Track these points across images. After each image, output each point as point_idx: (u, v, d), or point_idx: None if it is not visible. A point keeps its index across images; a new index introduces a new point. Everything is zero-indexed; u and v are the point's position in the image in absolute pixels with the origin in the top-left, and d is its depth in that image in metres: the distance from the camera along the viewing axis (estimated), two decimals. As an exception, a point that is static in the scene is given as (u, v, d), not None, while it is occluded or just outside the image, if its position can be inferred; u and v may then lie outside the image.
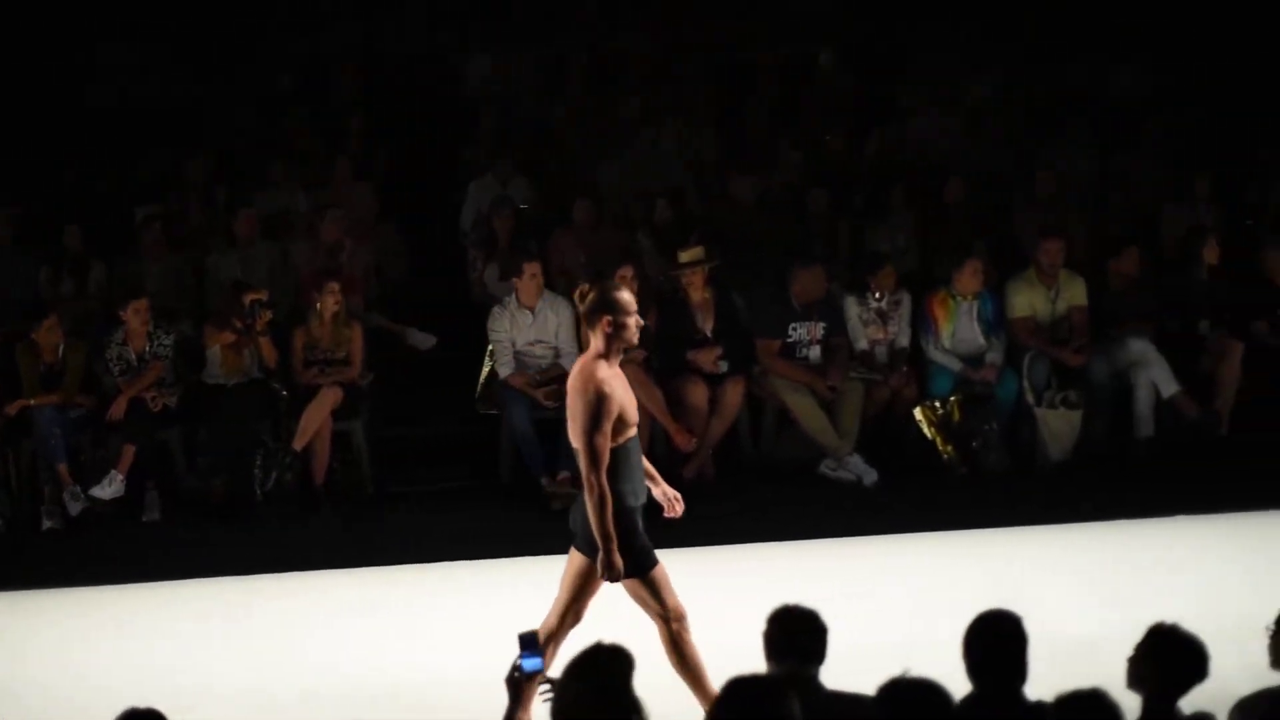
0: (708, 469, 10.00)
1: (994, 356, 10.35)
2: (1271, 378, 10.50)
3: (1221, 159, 12.45)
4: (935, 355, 10.39)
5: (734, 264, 10.84)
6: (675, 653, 6.09)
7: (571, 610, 6.14)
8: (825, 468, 10.02)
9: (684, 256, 10.19)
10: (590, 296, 6.04)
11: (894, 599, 7.85)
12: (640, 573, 6.00)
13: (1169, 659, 4.71)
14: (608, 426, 5.85)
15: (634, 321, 6.03)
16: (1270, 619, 5.14)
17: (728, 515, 9.30)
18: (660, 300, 10.37)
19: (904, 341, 10.46)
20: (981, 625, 4.75)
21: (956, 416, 10.09)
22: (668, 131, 12.39)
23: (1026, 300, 10.51)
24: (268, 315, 9.80)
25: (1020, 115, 13.18)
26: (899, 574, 8.30)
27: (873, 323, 10.44)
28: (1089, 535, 8.92)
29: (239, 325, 9.84)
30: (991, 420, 10.16)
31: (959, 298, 10.40)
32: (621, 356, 6.10)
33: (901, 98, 13.40)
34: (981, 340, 10.42)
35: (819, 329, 10.28)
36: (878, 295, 10.41)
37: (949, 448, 10.04)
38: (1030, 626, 4.68)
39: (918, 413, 10.13)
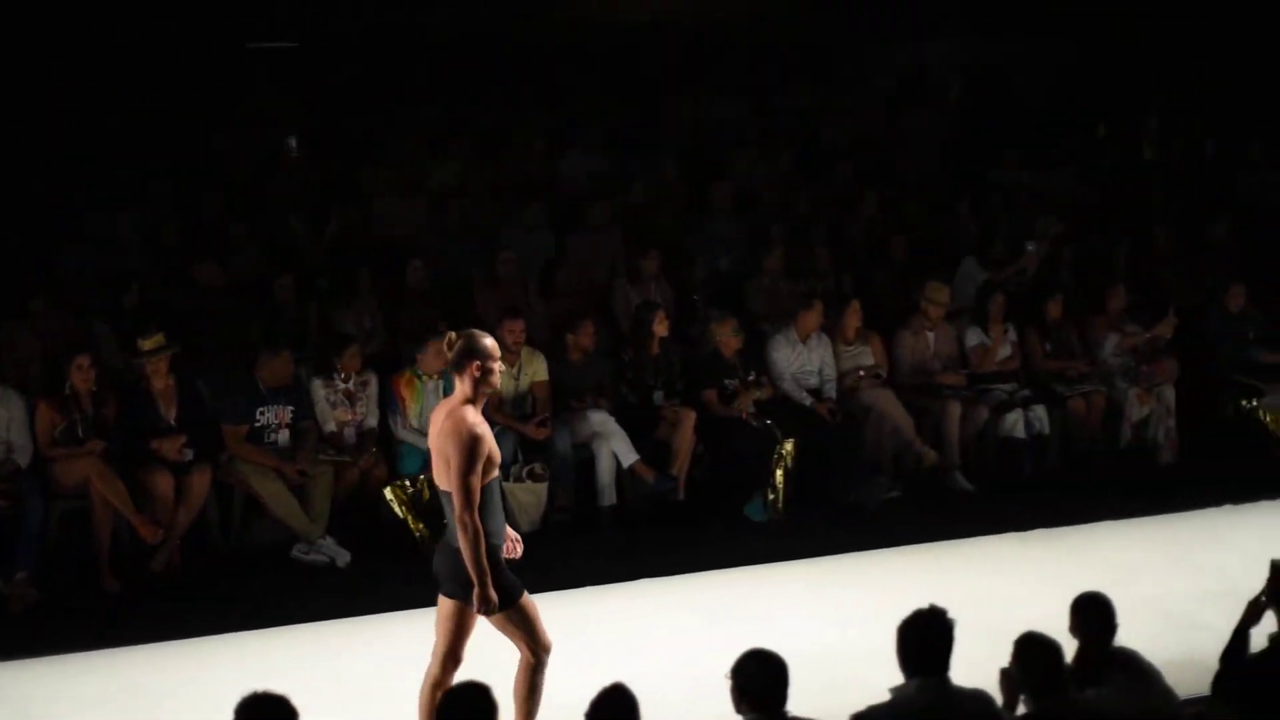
0: (175, 560, 9.73)
1: (460, 434, 10.51)
2: (724, 444, 11.11)
3: (669, 237, 13.15)
4: (404, 435, 10.48)
5: (198, 350, 10.65)
6: (529, 681, 6.49)
7: (451, 654, 6.49)
8: (298, 552, 9.93)
9: (144, 344, 9.92)
10: (458, 344, 6.39)
11: (364, 679, 7.87)
12: (511, 605, 6.37)
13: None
14: (480, 468, 6.20)
15: (498, 366, 6.45)
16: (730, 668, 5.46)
17: (198, 606, 9.10)
18: (120, 389, 10.06)
19: (372, 422, 10.51)
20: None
21: (427, 494, 10.16)
22: (126, 218, 12.07)
23: (491, 377, 10.73)
24: None
25: (480, 199, 13.54)
26: (367, 653, 8.30)
27: (340, 404, 10.44)
28: (562, 602, 9.15)
29: None
30: (461, 496, 10.30)
31: (425, 377, 10.53)
32: (484, 400, 6.43)
33: (365, 182, 13.55)
34: (448, 419, 10.56)
35: (287, 413, 10.21)
36: (344, 377, 10.44)
37: (420, 525, 10.11)
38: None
39: (388, 492, 10.17)
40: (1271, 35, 16.56)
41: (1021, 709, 5.68)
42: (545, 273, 12.65)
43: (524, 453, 10.53)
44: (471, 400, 6.37)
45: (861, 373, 11.62)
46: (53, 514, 9.62)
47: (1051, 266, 13.27)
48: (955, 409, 11.54)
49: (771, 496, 10.79)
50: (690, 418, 10.92)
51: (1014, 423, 11.76)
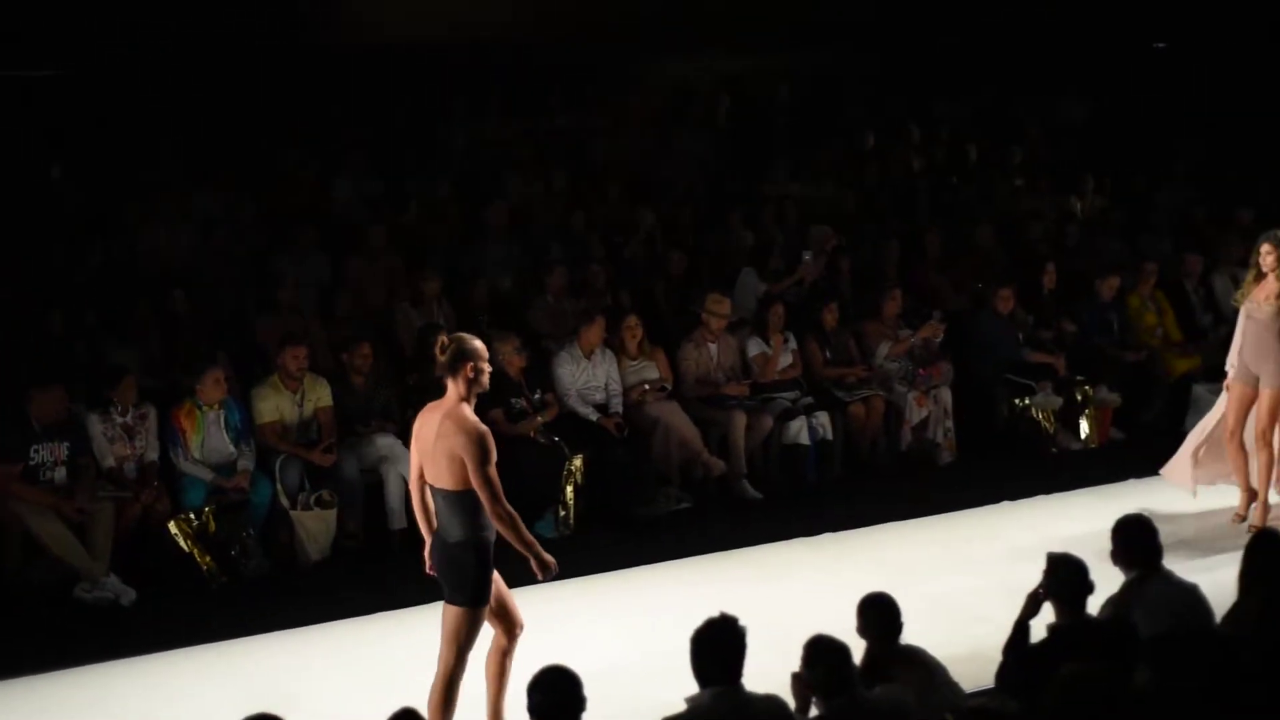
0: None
1: (245, 464, 10.36)
2: (511, 462, 11.07)
3: (446, 259, 13.13)
4: (186, 467, 10.28)
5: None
6: (500, 663, 7.19)
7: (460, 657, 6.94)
8: (80, 591, 9.65)
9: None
10: (450, 348, 6.81)
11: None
12: (486, 602, 6.95)
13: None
14: (494, 459, 6.71)
15: (488, 367, 6.89)
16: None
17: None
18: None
19: (153, 455, 10.29)
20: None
21: (212, 527, 10.01)
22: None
23: (273, 405, 10.61)
24: None
25: (250, 226, 13.36)
26: (161, 695, 8.15)
27: (119, 439, 10.21)
28: (354, 629, 9.10)
29: None
30: (248, 527, 10.16)
31: (205, 408, 10.36)
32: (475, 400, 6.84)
33: (130, 211, 13.26)
34: (231, 448, 10.41)
35: (63, 449, 9.93)
36: (121, 410, 10.21)
37: (207, 558, 9.93)
38: None
39: (172, 526, 9.96)
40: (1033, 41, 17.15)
41: (814, 711, 5.79)
42: (324, 298, 12.53)
43: (311, 480, 10.41)
44: (466, 399, 6.81)
45: (646, 386, 11.72)
46: None
47: (828, 275, 13.54)
48: (740, 419, 11.70)
49: (562, 513, 10.83)
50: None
51: (798, 430, 11.97)
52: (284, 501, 10.31)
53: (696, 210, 14.82)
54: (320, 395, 10.74)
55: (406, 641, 8.67)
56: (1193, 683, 5.41)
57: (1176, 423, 12.42)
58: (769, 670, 6.16)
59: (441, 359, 6.86)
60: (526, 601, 9.27)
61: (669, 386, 11.88)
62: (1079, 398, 12.81)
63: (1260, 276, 10.26)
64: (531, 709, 5.37)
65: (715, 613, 5.77)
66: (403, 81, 15.49)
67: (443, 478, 6.82)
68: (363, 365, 10.97)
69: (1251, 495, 10.47)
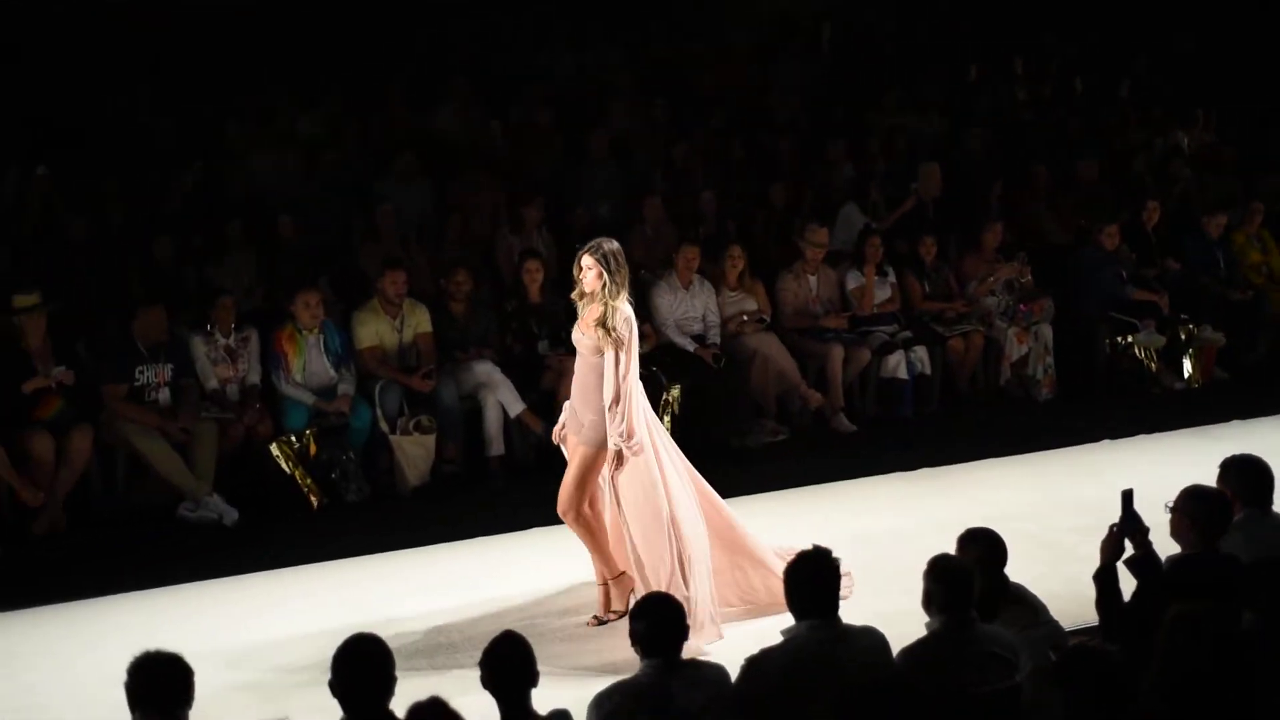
0: (59, 522, 9.60)
1: (345, 388, 10.46)
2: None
3: (547, 186, 13.12)
4: (287, 390, 10.39)
5: (74, 310, 10.47)
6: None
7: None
8: (184, 510, 9.81)
9: (20, 301, 9.74)
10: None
11: (268, 638, 7.83)
12: None
13: (505, 664, 5.17)
14: None
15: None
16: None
17: (83, 568, 9.00)
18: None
19: (255, 378, 10.41)
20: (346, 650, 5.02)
21: (313, 449, 10.12)
22: (7, 173, 11.81)
23: (373, 330, 10.69)
24: None
25: (352, 151, 13.40)
26: (260, 614, 8.24)
27: (222, 361, 10.34)
28: (452, 553, 9.18)
29: None
30: (348, 451, 10.27)
31: (305, 331, 10.45)
32: None
33: (231, 135, 13.34)
34: (332, 372, 10.51)
35: (167, 371, 10.07)
36: (223, 332, 10.33)
37: (308, 481, 10.06)
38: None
39: (274, 448, 10.08)
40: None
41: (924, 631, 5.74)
42: (425, 224, 12.57)
43: (410, 405, 10.49)
44: None
45: (745, 317, 11.69)
46: (-70, 480, 9.45)
47: (931, 208, 13.40)
48: (838, 351, 11.66)
49: (659, 443, 10.84)
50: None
51: (895, 364, 11.92)
52: (383, 426, 10.40)
53: (799, 141, 14.69)
54: (420, 321, 10.80)
55: (503, 567, 8.75)
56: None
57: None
58: (863, 603, 6.15)
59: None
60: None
61: (767, 318, 11.84)
62: (1182, 336, 12.63)
63: None
64: (634, 634, 5.41)
65: (809, 545, 5.76)
66: (505, 6, 15.45)
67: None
68: (461, 292, 11.01)
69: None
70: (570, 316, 11.32)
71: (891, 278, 12.34)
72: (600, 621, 7.75)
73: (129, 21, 13.81)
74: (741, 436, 11.17)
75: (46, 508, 9.52)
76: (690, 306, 11.56)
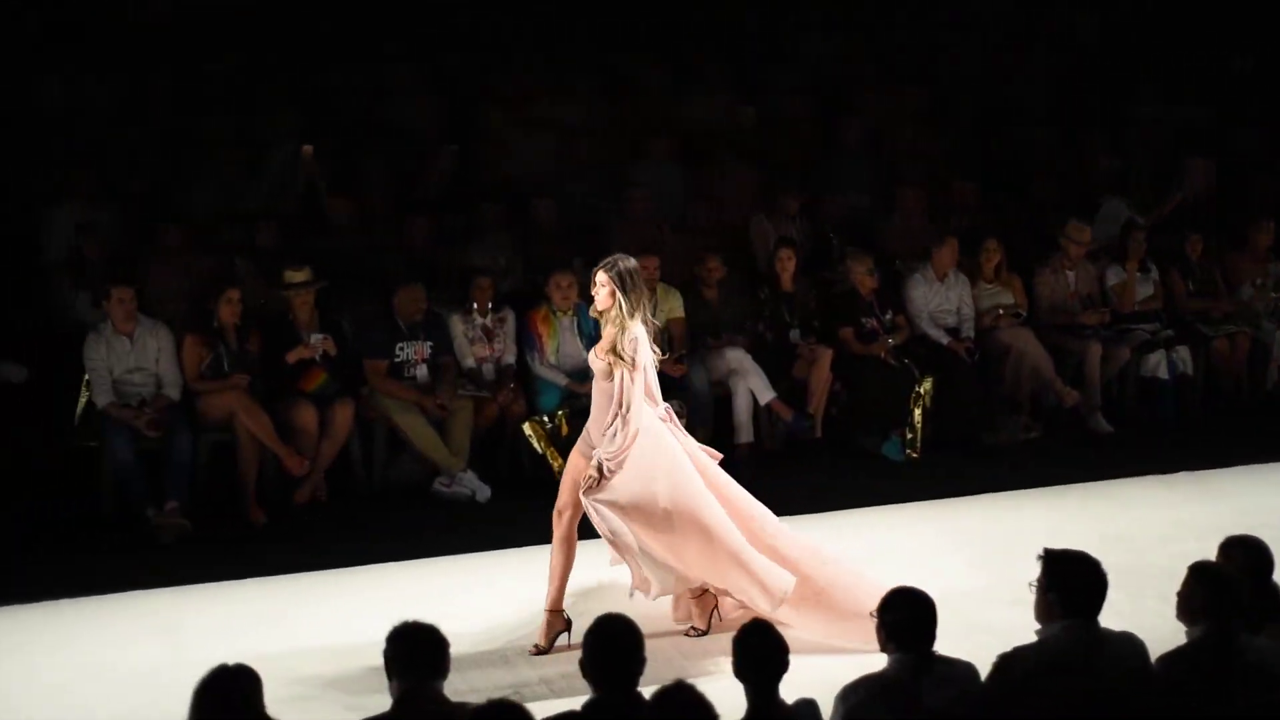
0: (320, 493, 9.90)
1: (597, 370, 10.55)
2: (858, 383, 11.08)
3: (800, 174, 13.05)
4: (541, 371, 10.53)
5: (336, 286, 10.76)
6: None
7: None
8: (439, 485, 10.02)
9: (293, 276, 10.05)
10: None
11: (509, 612, 7.94)
12: None
13: (756, 653, 5.07)
14: None
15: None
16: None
17: (341, 538, 9.25)
18: (263, 323, 10.23)
19: (510, 358, 10.57)
20: (598, 630, 5.01)
21: (565, 430, 10.23)
22: (273, 152, 12.17)
23: (625, 314, 10.75)
24: None
25: (606, 137, 13.50)
26: (509, 584, 8.36)
27: (479, 340, 10.53)
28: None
29: None
30: (599, 432, 10.35)
31: (559, 313, 10.58)
32: None
33: (488, 118, 13.53)
34: (585, 354, 10.60)
35: (425, 348, 10.30)
36: (481, 312, 10.51)
37: (559, 460, 10.16)
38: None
39: (527, 428, 10.24)
40: None
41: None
42: (678, 209, 12.62)
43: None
44: None
45: (1000, 311, 11.51)
46: (201, 447, 9.80)
47: (1197, 204, 13.00)
48: (1096, 349, 11.40)
49: (910, 436, 10.74)
50: (827, 356, 10.90)
51: (1156, 363, 11.62)
52: (634, 409, 10.46)
53: (1057, 132, 14.36)
54: (672, 306, 10.85)
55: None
56: None
57: None
58: (1119, 609, 5.97)
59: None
60: (871, 524, 9.32)
61: (1023, 313, 11.63)
62: None
63: None
64: (885, 626, 5.34)
65: (1064, 545, 5.61)
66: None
67: None
68: (713, 278, 11.03)
69: None
70: (823, 306, 11.41)
71: (1155, 274, 12.02)
72: (540, 650, 7.31)
73: (391, 5, 14.12)
74: (993, 432, 11.00)
75: (308, 477, 9.82)
76: (945, 299, 11.43)
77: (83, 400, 9.92)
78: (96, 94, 12.74)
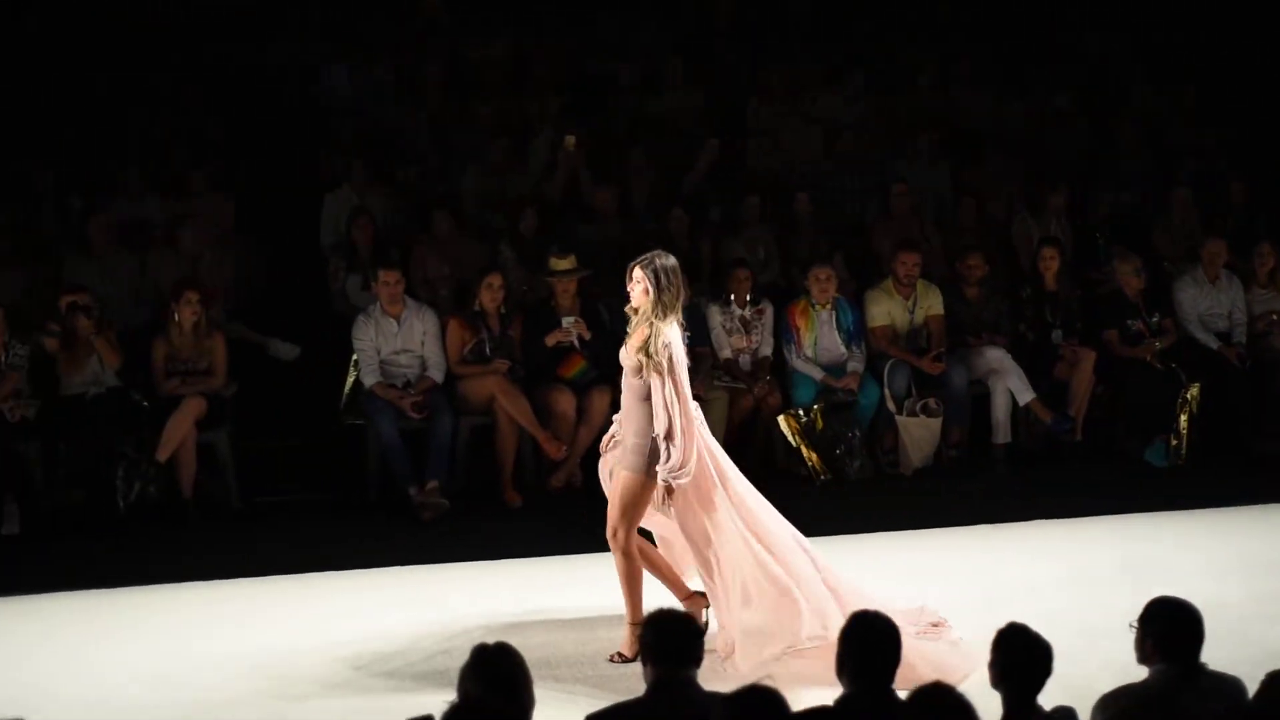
0: (576, 477, 10.04)
1: (855, 365, 10.52)
2: (1122, 386, 10.82)
3: (1072, 172, 12.77)
4: (798, 364, 10.52)
5: (597, 273, 10.88)
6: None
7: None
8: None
9: (559, 264, 10.20)
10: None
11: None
12: None
13: (1016, 657, 4.90)
14: None
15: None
16: (1134, 616, 5.28)
17: (595, 524, 9.33)
18: (525, 309, 10.40)
19: (767, 351, 10.58)
20: (855, 625, 4.93)
21: (820, 424, 10.21)
22: (537, 141, 12.36)
23: (885, 310, 10.70)
24: (85, 318, 9.60)
25: (871, 131, 13.39)
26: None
27: (736, 332, 10.55)
28: (950, 540, 9.07)
29: (55, 329, 9.69)
30: (854, 428, 10.31)
31: (818, 307, 10.54)
32: None
33: (752, 112, 13.51)
34: (843, 349, 10.58)
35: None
36: (739, 304, 10.53)
37: (813, 455, 10.16)
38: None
39: (782, 421, 10.24)
40: None
41: None
42: (942, 206, 12.47)
43: (918, 387, 10.45)
44: None
45: (1275, 317, 11.12)
46: (461, 429, 10.02)
47: None
48: (1381, 361, 10.95)
49: (1174, 442, 10.45)
50: (1090, 358, 10.68)
51: None
52: (890, 406, 10.41)
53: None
54: (932, 303, 10.73)
55: (1005, 554, 8.61)
56: None
57: None
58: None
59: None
60: (1126, 527, 9.06)
61: (1300, 319, 11.22)
62: None
63: None
64: (1151, 636, 5.19)
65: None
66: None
67: None
68: (975, 276, 10.88)
69: None
70: (1087, 306, 11.16)
71: None
72: (625, 660, 6.98)
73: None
74: (1266, 441, 10.63)
75: (565, 463, 9.95)
76: (1216, 302, 11.09)
77: (350, 380, 10.22)
78: (379, 82, 13.08)
